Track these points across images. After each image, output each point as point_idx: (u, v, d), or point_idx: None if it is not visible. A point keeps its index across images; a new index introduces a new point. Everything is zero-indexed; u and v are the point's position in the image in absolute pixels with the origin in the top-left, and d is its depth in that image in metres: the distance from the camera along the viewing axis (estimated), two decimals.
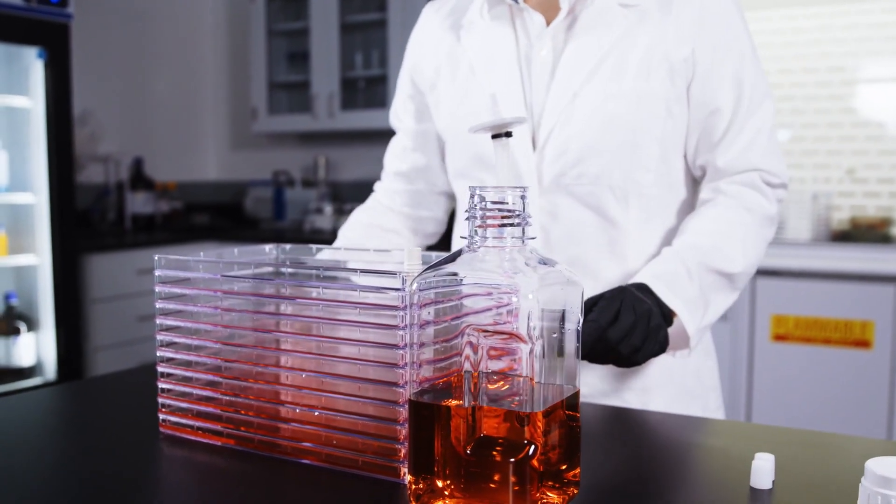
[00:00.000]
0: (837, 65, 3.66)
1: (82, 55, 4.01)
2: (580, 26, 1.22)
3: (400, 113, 1.48)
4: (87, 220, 4.22)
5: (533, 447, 0.69)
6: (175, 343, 0.99)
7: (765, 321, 3.17)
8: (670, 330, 1.15)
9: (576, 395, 0.76)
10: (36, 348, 3.46)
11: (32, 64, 3.34)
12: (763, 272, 3.16)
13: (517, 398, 0.71)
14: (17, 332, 3.37)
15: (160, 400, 0.99)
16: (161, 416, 1.00)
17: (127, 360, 3.75)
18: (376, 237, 1.47)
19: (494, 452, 0.70)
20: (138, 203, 4.32)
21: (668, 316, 1.15)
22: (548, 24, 1.26)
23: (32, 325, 3.44)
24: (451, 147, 1.37)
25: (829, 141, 3.70)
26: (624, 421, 1.08)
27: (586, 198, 1.25)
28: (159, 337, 0.99)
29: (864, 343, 3.01)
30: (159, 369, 0.99)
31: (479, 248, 0.73)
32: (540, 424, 0.69)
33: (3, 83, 3.39)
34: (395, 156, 1.50)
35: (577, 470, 0.77)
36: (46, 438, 1.03)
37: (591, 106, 1.21)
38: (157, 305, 0.99)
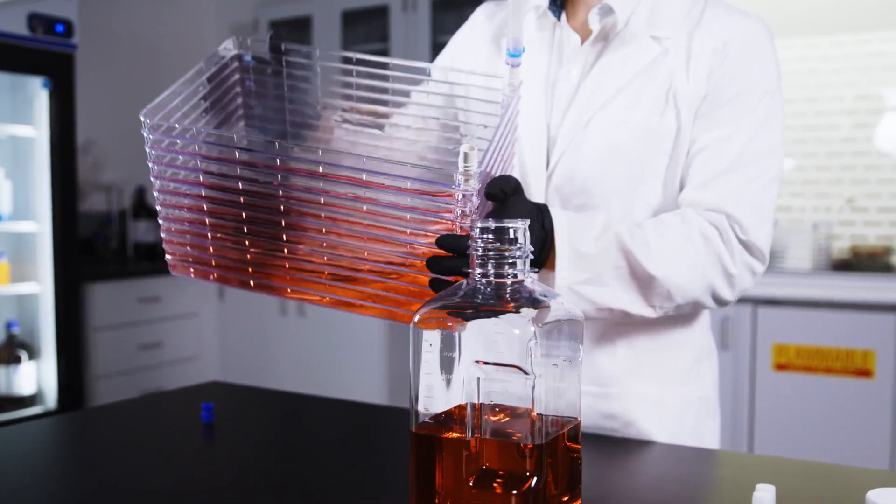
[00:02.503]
0: (837, 95, 3.68)
1: (86, 85, 4.03)
2: (609, 51, 1.21)
3: None
4: (90, 249, 4.23)
5: (535, 479, 0.69)
6: (174, 193, 1.09)
7: (766, 350, 3.16)
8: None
9: (577, 426, 0.76)
10: (37, 377, 3.45)
11: (37, 93, 3.37)
12: (764, 301, 3.16)
13: (519, 430, 0.71)
14: (18, 360, 3.36)
15: (165, 246, 1.18)
16: (168, 258, 1.17)
17: (128, 389, 3.73)
18: None
19: (496, 485, 0.70)
20: (140, 231, 4.33)
21: (547, 250, 1.07)
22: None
23: (33, 354, 3.44)
24: None
25: (830, 170, 3.71)
26: (625, 452, 1.08)
27: None
28: (157, 194, 1.10)
29: (865, 372, 3.01)
30: (160, 221, 1.13)
31: (480, 280, 0.73)
32: (542, 456, 0.70)
33: (8, 112, 3.41)
34: None
35: (579, 501, 0.77)
36: (49, 469, 1.03)
37: (601, 133, 1.19)
38: (151, 165, 1.07)
